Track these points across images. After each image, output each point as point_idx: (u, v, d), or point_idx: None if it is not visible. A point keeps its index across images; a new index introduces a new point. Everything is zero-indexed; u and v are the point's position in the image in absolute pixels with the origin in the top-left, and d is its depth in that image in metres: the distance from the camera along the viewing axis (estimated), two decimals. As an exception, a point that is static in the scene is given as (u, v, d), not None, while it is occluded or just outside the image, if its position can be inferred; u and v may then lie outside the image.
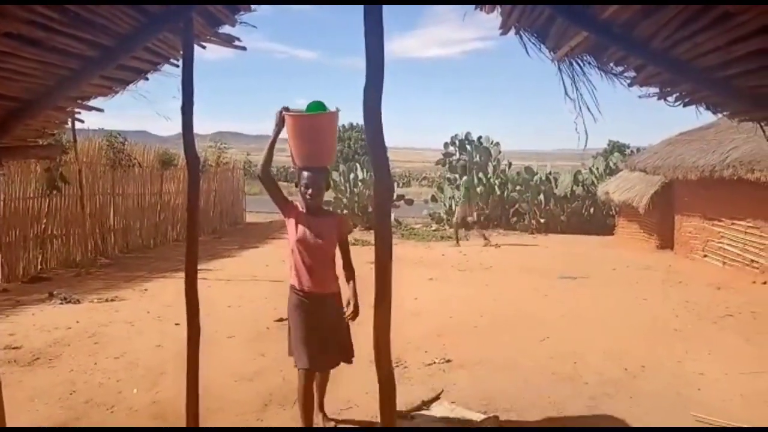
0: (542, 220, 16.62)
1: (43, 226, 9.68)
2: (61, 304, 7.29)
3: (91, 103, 2.88)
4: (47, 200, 9.73)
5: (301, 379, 3.45)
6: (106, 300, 7.56)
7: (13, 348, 5.38)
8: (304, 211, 3.45)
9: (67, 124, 2.97)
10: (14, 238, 8.94)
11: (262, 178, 3.48)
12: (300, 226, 3.40)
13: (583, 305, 7.47)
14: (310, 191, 3.40)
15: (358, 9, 2.09)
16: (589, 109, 2.99)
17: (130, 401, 4.29)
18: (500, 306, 7.42)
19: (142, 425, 3.88)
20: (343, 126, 37.84)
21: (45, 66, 2.14)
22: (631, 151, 21.48)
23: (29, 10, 1.82)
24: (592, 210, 16.57)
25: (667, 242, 11.91)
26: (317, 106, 3.45)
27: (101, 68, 2.35)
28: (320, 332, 3.42)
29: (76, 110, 2.92)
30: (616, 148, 28.49)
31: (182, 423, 2.94)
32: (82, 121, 2.99)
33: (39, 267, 9.49)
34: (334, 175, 18.28)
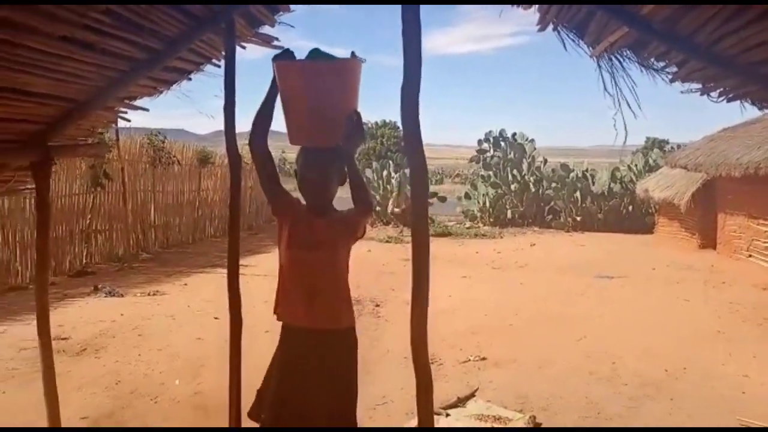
0: (578, 218, 16.34)
1: (87, 221, 10.03)
2: (106, 297, 7.55)
3: (136, 102, 2.99)
4: (92, 197, 10.06)
5: None
6: (148, 294, 7.79)
7: (62, 339, 5.59)
8: (305, 210, 2.36)
9: (115, 123, 3.08)
10: (61, 233, 9.28)
11: (254, 150, 2.35)
12: (295, 229, 2.31)
13: (621, 305, 7.33)
14: (311, 184, 2.30)
15: (391, 6, 2.12)
16: (629, 105, 2.95)
17: (172, 392, 4.43)
18: (535, 305, 7.35)
19: (185, 416, 4.00)
20: (376, 123, 37.92)
21: (97, 68, 2.24)
22: (672, 148, 20.93)
23: (84, 15, 1.91)
24: (630, 208, 16.21)
25: (709, 241, 11.56)
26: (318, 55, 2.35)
27: (149, 69, 2.44)
28: (298, 385, 2.30)
29: (123, 110, 3.02)
30: (656, 144, 27.82)
31: (223, 414, 3.00)
32: (129, 120, 3.10)
33: (84, 261, 9.83)
34: (367, 172, 18.36)
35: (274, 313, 2.40)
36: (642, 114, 2.99)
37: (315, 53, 2.35)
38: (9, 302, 7.19)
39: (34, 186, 3.01)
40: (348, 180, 2.35)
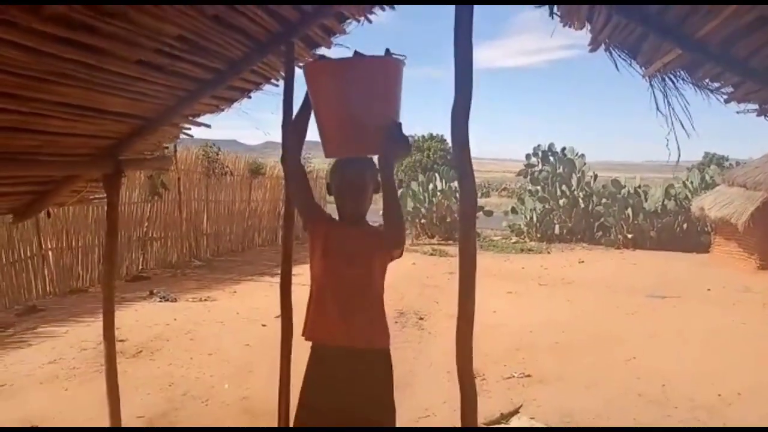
0: (630, 236, 15.89)
1: (144, 229, 10.48)
2: (160, 302, 7.87)
3: (199, 119, 3.17)
4: (149, 205, 10.52)
5: None
6: (200, 300, 8.08)
7: (120, 341, 5.86)
8: (339, 222, 2.31)
9: (179, 138, 3.27)
10: (120, 240, 9.74)
11: (287, 164, 2.40)
12: (329, 241, 2.23)
13: (674, 326, 7.10)
14: (348, 192, 2.23)
15: (438, 18, 2.18)
16: (682, 125, 2.92)
17: (222, 396, 4.59)
18: (582, 323, 7.21)
19: (233, 419, 4.15)
20: (422, 136, 38.01)
21: (167, 88, 2.41)
22: (730, 165, 20.14)
23: (157, 40, 2.06)
24: (685, 226, 15.66)
25: (769, 262, 11.07)
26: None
27: (213, 89, 2.60)
28: (334, 409, 2.19)
29: (187, 126, 3.20)
30: (714, 160, 26.80)
31: (271, 418, 3.11)
32: (191, 136, 3.28)
33: (140, 267, 10.28)
34: (413, 185, 18.44)
35: (303, 334, 2.28)
36: (696, 133, 2.95)
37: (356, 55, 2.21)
38: (70, 304, 7.60)
39: (102, 196, 3.23)
40: (381, 192, 2.19)
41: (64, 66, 1.90)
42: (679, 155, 3.08)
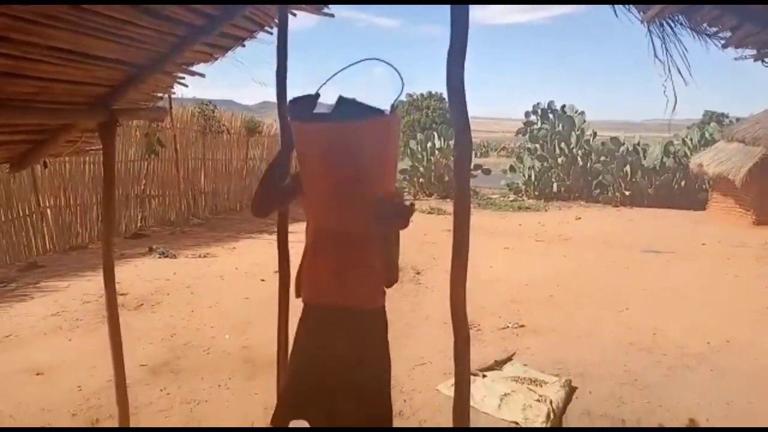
0: (627, 193, 15.93)
1: (142, 186, 10.47)
2: (160, 258, 7.94)
3: (193, 68, 3.13)
4: (146, 163, 10.49)
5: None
6: (199, 256, 8.15)
7: (121, 294, 5.95)
8: None
9: (173, 88, 3.23)
10: (118, 197, 9.73)
11: (257, 216, 2.40)
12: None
13: (667, 279, 7.21)
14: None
15: None
16: (679, 72, 2.90)
17: (223, 345, 4.69)
18: (578, 277, 7.31)
19: (234, 367, 4.25)
20: (422, 95, 37.57)
21: (158, 33, 2.37)
22: (730, 122, 20.01)
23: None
24: (683, 183, 15.68)
25: (764, 218, 11.13)
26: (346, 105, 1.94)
27: (205, 35, 2.56)
28: (324, 376, 2.13)
29: (180, 75, 3.17)
30: (714, 118, 26.58)
31: (271, 366, 3.18)
32: (186, 86, 3.24)
33: (139, 224, 10.32)
34: (411, 143, 18.36)
35: (297, 295, 2.26)
36: (693, 81, 2.93)
37: (343, 105, 1.96)
38: (71, 260, 7.67)
39: (98, 147, 3.22)
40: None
41: (52, 8, 1.87)
42: (676, 103, 3.07)
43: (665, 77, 3.00)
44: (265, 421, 3.40)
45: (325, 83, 2.09)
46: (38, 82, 2.36)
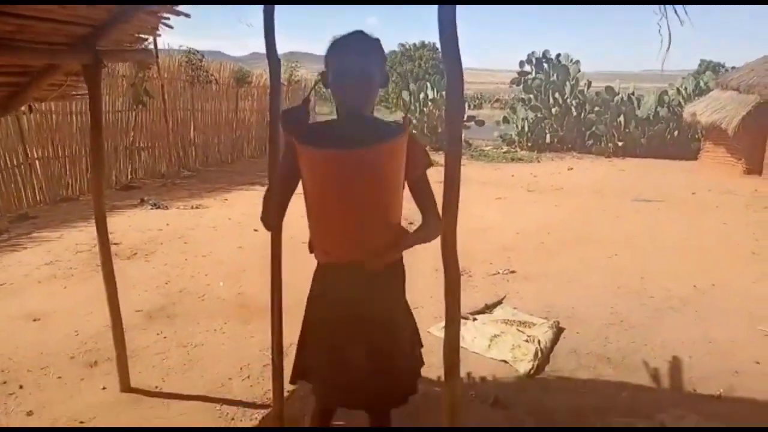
0: (620, 144, 15.91)
1: (131, 138, 10.34)
2: (152, 209, 7.92)
3: (179, 8, 3.03)
4: (134, 114, 10.31)
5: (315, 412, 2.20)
6: (191, 207, 8.13)
7: (114, 244, 5.97)
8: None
9: (158, 29, 3.14)
10: (107, 149, 9.61)
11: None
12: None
13: (656, 227, 7.30)
14: (347, 82, 1.79)
15: None
16: (675, 11, 2.85)
17: (217, 292, 4.75)
18: (569, 225, 7.38)
19: (230, 312, 4.31)
20: (414, 45, 36.78)
21: (140, -33, 2.30)
22: (726, 71, 19.79)
23: None
24: (676, 133, 15.65)
25: (755, 167, 11.20)
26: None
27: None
28: (346, 342, 1.95)
29: (165, 16, 3.08)
30: (709, 67, 26.29)
31: (265, 311, 3.23)
32: (171, 27, 3.15)
33: (129, 176, 10.24)
34: (404, 94, 18.12)
35: (311, 251, 2.06)
36: (689, 21, 2.89)
37: (352, 119, 1.80)
38: (63, 212, 7.64)
39: (84, 92, 3.16)
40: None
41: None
42: (670, 44, 3.03)
43: (660, 15, 2.95)
44: (260, 363, 3.49)
45: (311, 89, 2.08)
46: (18, 19, 2.29)
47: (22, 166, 7.75)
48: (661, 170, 12.93)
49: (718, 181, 10.91)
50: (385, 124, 1.89)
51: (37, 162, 8.04)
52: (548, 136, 17.00)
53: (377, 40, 1.83)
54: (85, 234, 6.25)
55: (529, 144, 17.29)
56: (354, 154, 1.68)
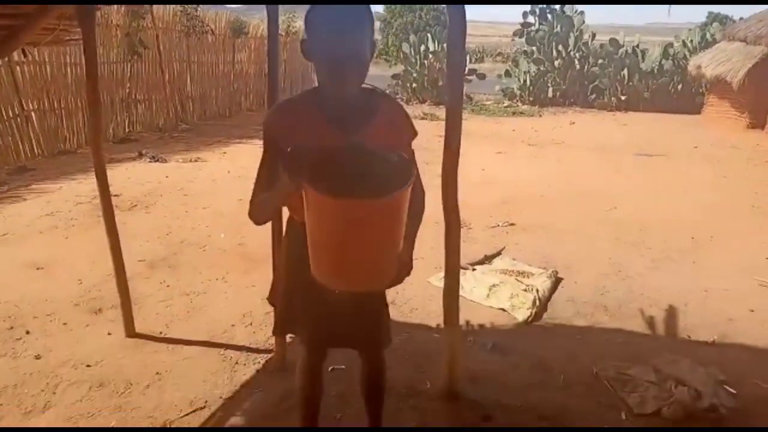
0: (623, 98, 15.69)
1: (127, 90, 10.19)
2: (150, 162, 7.88)
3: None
4: (129, 66, 10.13)
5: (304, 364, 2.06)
6: (190, 160, 8.09)
7: (114, 195, 5.94)
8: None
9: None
10: (103, 101, 9.48)
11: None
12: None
13: (657, 180, 7.29)
14: (336, 58, 1.57)
15: None
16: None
17: (218, 243, 4.78)
18: (569, 179, 7.36)
19: (232, 263, 4.35)
20: (415, -5, 35.73)
21: None
22: (734, 23, 19.35)
23: None
24: (680, 87, 15.41)
25: (759, 121, 11.07)
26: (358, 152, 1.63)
27: None
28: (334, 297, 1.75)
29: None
30: (717, 19, 25.66)
31: (266, 262, 3.25)
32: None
33: (127, 129, 10.15)
34: (404, 47, 17.76)
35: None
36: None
37: (361, 161, 1.60)
38: (61, 164, 7.61)
39: (78, 37, 3.09)
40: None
41: None
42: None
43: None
44: (262, 311, 3.54)
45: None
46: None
47: (18, 119, 7.66)
48: (663, 124, 12.81)
49: (721, 136, 10.82)
50: (377, 99, 1.74)
51: (33, 114, 7.95)
52: (550, 90, 16.75)
53: (367, 8, 1.60)
54: (84, 186, 6.23)
55: (531, 98, 17.05)
56: (374, 204, 1.54)
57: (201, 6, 12.60)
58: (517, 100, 17.43)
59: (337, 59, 1.55)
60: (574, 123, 13.12)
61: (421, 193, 1.85)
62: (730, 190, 6.74)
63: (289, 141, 1.62)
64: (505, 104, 17.10)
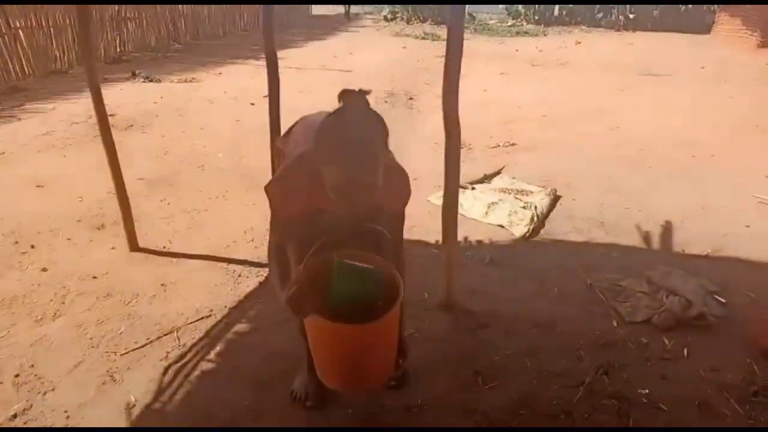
0: (632, 16, 15.13)
1: (116, 7, 9.81)
2: (144, 82, 7.72)
3: None
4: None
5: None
6: (185, 81, 7.92)
7: (109, 115, 5.86)
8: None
9: None
10: (93, 19, 9.16)
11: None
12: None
13: (662, 100, 7.16)
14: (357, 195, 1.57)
15: None
16: None
17: (217, 163, 4.75)
18: (572, 99, 7.23)
19: (232, 182, 4.34)
20: None
21: None
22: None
23: None
24: (689, 5, 14.82)
25: (770, 40, 10.75)
26: (350, 286, 1.74)
27: None
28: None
29: None
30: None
31: (266, 180, 3.25)
32: None
33: (119, 49, 9.86)
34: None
35: None
36: None
37: (343, 272, 1.73)
38: (53, 84, 7.45)
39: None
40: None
41: None
42: None
43: None
44: (264, 227, 3.57)
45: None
46: None
47: (6, 37, 7.41)
48: (671, 43, 12.43)
49: (730, 55, 10.52)
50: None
51: (20, 32, 7.68)
52: (556, 8, 16.15)
53: (379, 121, 1.56)
54: (78, 106, 6.13)
55: (536, 17, 16.47)
56: (368, 327, 1.66)
57: None
58: (522, 19, 16.85)
59: (351, 189, 1.52)
60: (579, 42, 12.74)
61: (402, 250, 1.92)
62: (736, 109, 6.63)
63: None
64: (509, 23, 16.53)
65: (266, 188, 1.77)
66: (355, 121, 1.52)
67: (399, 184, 1.77)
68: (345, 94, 1.53)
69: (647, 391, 2.25)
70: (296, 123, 2.14)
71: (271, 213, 1.83)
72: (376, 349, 1.74)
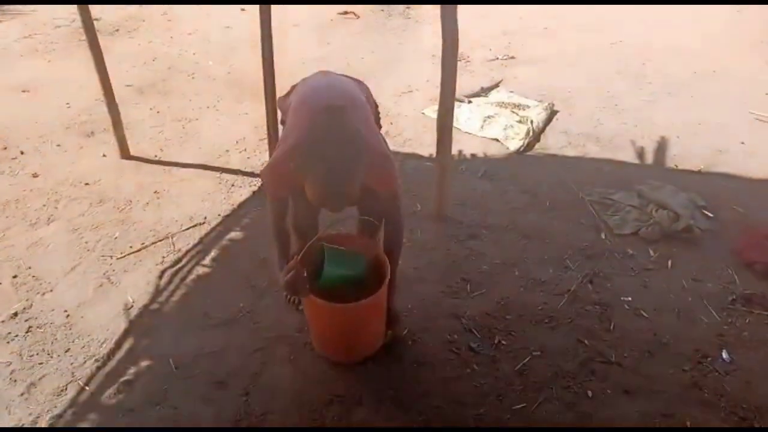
0: None
1: None
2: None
3: None
4: None
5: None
6: (172, -16, 7.51)
7: (94, 19, 5.63)
8: None
9: None
10: None
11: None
12: None
13: (668, 14, 6.88)
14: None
15: None
16: None
17: (207, 71, 4.62)
18: (575, 11, 6.93)
19: (222, 90, 4.25)
20: None
21: None
22: None
23: None
24: None
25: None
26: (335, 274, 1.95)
27: None
28: None
29: None
30: None
31: (258, 92, 3.15)
32: None
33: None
34: None
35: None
36: None
37: (331, 258, 1.97)
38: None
39: None
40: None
41: None
42: None
43: None
44: (256, 137, 3.53)
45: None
46: None
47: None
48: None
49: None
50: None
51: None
52: None
53: (358, 132, 1.67)
54: (60, 9, 5.84)
55: None
56: (358, 306, 1.86)
57: None
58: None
59: (323, 204, 1.66)
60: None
61: (399, 225, 1.99)
62: (742, 24, 6.40)
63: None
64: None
65: (261, 173, 1.94)
66: (331, 139, 1.61)
67: (385, 171, 1.84)
68: (325, 112, 1.65)
69: (630, 298, 2.34)
70: (296, 85, 2.15)
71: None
72: (366, 324, 1.97)
